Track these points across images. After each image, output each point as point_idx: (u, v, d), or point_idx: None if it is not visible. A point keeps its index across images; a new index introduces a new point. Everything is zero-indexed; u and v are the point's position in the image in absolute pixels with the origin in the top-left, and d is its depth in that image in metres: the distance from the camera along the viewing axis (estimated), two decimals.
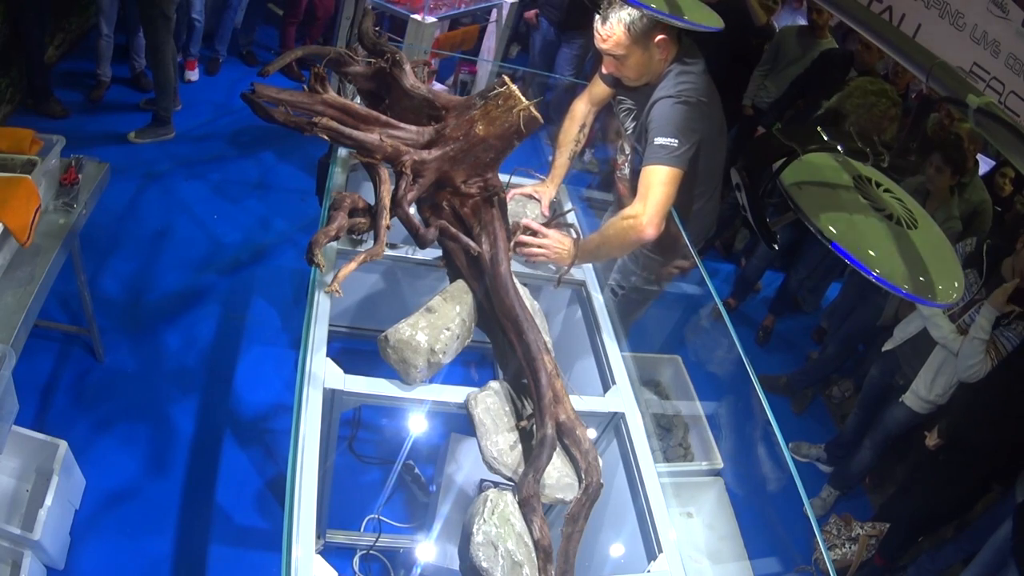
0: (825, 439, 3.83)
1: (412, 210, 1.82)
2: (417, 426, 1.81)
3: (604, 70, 2.35)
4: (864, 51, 4.22)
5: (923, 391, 3.14)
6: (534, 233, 2.13)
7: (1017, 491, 2.76)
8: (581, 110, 2.50)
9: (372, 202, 1.85)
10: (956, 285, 1.22)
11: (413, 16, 4.70)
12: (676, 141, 2.02)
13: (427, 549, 2.23)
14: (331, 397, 1.66)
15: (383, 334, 1.67)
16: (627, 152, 2.53)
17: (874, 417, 3.46)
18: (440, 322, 1.70)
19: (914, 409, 3.18)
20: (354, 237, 1.93)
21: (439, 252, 1.95)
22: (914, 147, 4.31)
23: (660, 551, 1.60)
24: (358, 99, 2.16)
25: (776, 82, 4.71)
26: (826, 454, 3.76)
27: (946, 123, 4.20)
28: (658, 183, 2.02)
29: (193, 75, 4.96)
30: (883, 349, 3.40)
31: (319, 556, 1.36)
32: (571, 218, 2.30)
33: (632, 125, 2.35)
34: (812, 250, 4.23)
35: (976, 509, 3.19)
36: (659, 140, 2.04)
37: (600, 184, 3.77)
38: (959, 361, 2.94)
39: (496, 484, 1.74)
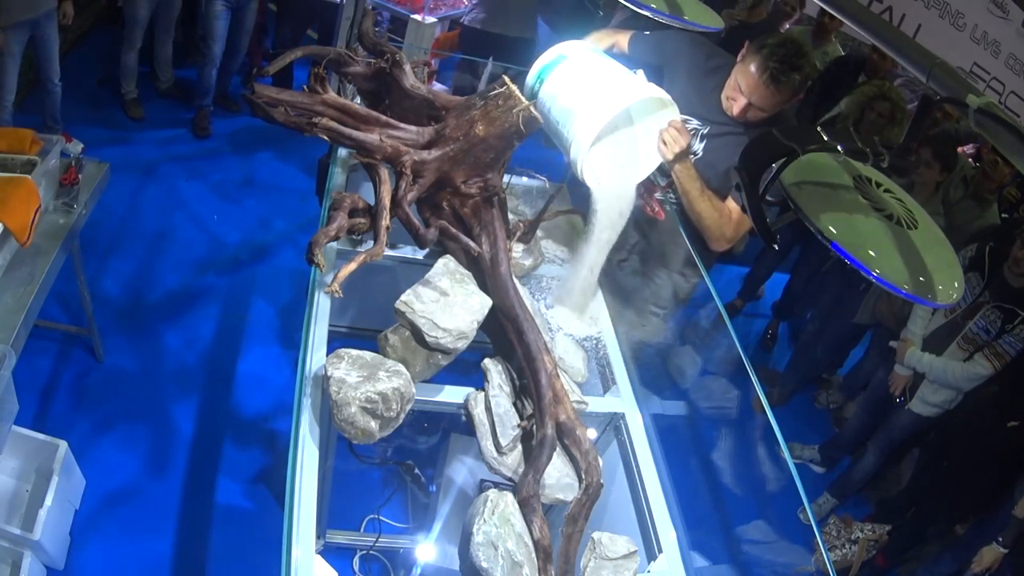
0: (817, 440, 3.81)
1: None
2: (417, 426, 1.81)
3: (735, 104, 2.17)
4: (879, 60, 4.17)
5: (929, 395, 3.12)
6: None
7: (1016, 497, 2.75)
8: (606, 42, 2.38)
9: (372, 202, 1.85)
10: (956, 285, 1.22)
11: (413, 16, 4.70)
12: None
13: (427, 549, 2.22)
14: None
15: (383, 333, 1.67)
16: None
17: (878, 421, 3.43)
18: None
19: (920, 414, 3.17)
20: (354, 237, 1.93)
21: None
22: (914, 147, 4.29)
23: (660, 551, 1.60)
24: (358, 99, 2.16)
25: None
26: (819, 455, 3.74)
27: (939, 117, 4.16)
28: None
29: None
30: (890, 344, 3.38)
31: (319, 556, 1.36)
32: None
33: (701, 147, 2.27)
34: (813, 252, 4.19)
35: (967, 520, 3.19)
36: None
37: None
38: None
39: (496, 484, 1.74)
